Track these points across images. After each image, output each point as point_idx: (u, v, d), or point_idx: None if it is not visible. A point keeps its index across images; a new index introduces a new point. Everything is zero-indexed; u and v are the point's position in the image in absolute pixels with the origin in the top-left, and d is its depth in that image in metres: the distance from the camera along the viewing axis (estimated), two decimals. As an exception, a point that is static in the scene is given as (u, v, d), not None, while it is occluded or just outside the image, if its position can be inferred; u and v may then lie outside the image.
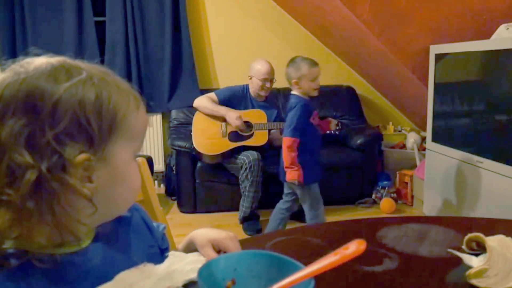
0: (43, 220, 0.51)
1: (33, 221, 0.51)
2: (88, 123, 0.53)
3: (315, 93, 2.41)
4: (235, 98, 3.16)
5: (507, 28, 2.56)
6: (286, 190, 2.54)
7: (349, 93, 3.92)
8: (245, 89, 3.21)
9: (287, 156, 2.32)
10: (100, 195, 0.56)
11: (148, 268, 0.61)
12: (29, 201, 0.50)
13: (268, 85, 3.12)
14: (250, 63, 3.20)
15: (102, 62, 0.63)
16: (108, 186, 0.57)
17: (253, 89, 3.17)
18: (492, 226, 1.05)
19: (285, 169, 2.35)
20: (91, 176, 0.54)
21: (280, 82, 3.33)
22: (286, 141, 2.32)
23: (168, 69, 3.77)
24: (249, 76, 3.17)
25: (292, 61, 2.38)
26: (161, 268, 0.64)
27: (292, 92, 2.42)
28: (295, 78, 2.34)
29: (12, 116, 0.50)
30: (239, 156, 3.00)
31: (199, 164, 3.23)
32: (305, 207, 2.46)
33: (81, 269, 0.57)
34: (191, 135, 3.14)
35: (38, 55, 0.57)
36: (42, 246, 0.53)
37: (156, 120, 3.85)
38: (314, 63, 2.36)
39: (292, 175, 2.33)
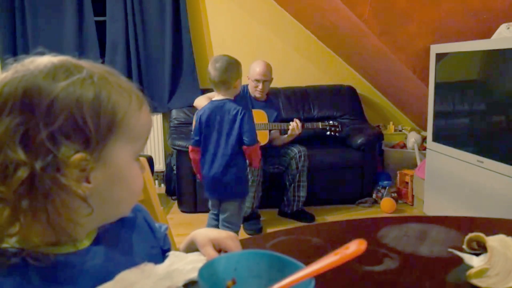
0: (37, 219, 0.51)
1: (28, 219, 0.51)
2: (84, 122, 0.52)
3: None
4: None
5: (508, 28, 2.56)
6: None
7: (350, 92, 3.91)
8: (245, 89, 3.19)
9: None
10: (98, 196, 0.55)
11: (148, 267, 0.61)
12: (23, 200, 0.50)
13: (260, 86, 3.06)
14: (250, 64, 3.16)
15: (102, 62, 0.63)
16: (107, 187, 0.56)
17: (250, 89, 3.17)
18: (493, 225, 1.05)
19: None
20: (89, 176, 0.54)
21: (280, 82, 3.34)
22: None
23: (168, 68, 3.77)
24: (247, 76, 3.17)
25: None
26: (162, 267, 0.64)
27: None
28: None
29: (9, 114, 0.50)
30: (240, 156, 2.98)
31: (199, 164, 3.22)
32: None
33: (78, 269, 0.57)
34: (191, 134, 3.14)
35: (42, 54, 0.56)
36: (37, 245, 0.53)
37: (156, 120, 3.85)
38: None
39: None
